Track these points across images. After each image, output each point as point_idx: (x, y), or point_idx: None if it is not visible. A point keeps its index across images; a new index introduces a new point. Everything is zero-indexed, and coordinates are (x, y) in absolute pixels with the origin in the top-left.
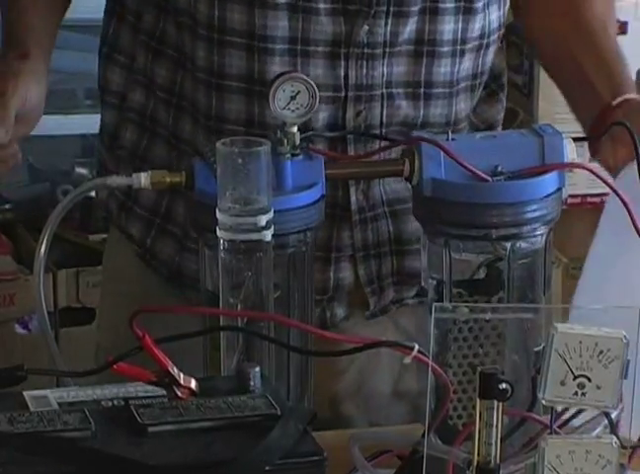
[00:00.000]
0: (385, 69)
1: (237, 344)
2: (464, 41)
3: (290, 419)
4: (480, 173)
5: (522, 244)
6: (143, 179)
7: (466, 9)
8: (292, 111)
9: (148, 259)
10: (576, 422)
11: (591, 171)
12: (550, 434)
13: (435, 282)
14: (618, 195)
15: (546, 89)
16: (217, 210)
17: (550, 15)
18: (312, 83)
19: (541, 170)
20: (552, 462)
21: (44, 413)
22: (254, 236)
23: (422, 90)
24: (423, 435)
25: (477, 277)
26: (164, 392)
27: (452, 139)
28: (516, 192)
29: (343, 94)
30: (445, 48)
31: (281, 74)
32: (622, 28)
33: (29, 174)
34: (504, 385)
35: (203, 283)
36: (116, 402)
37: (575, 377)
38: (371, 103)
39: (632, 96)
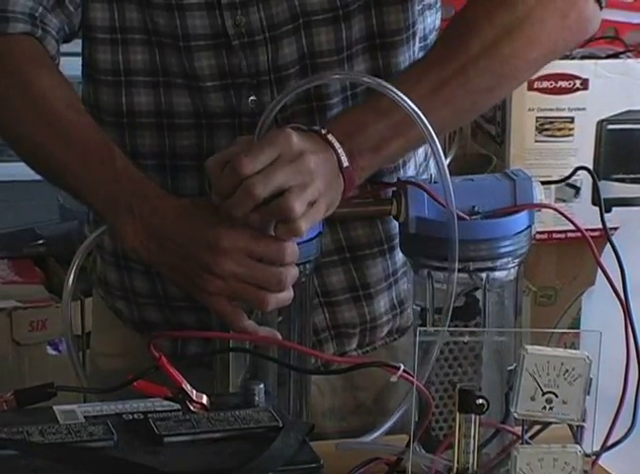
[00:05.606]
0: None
1: (245, 363)
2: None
3: (291, 430)
4: (459, 212)
5: (497, 275)
6: None
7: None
8: None
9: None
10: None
11: (556, 210)
12: (522, 443)
13: (419, 309)
14: (583, 232)
15: (517, 138)
16: None
17: None
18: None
19: (513, 210)
20: (523, 469)
21: (72, 425)
22: None
23: None
24: (408, 445)
25: (457, 305)
26: (179, 407)
27: (435, 182)
28: (490, 229)
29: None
30: (335, 99)
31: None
32: (584, 84)
33: (60, 213)
34: (480, 400)
35: None
36: (135, 415)
37: (543, 393)
38: None
39: None
